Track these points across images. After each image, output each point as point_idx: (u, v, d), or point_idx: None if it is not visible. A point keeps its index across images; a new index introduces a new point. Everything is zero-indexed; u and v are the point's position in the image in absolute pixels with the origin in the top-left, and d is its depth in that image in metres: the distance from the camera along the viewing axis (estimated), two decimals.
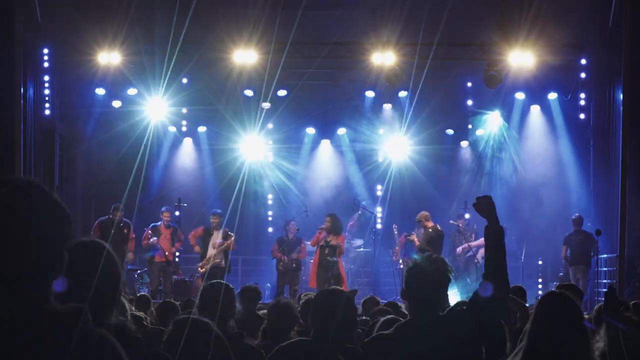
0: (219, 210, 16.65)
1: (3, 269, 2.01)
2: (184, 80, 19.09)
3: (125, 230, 16.13)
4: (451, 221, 17.36)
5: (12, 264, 2.01)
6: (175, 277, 16.79)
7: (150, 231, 16.58)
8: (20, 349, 1.97)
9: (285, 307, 5.93)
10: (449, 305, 5.44)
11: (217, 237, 16.20)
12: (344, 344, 4.52)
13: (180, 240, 16.86)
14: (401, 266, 17.49)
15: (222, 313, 5.32)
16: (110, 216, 16.04)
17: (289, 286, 16.36)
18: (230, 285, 5.50)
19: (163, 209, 16.98)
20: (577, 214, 16.96)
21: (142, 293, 12.70)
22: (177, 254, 17.37)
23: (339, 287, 5.15)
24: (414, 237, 15.62)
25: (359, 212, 19.29)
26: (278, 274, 16.64)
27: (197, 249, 16.40)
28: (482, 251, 16.66)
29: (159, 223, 16.73)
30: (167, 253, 16.49)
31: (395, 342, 4.00)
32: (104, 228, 15.76)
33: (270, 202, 21.03)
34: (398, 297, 16.63)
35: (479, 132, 20.08)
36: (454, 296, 14.58)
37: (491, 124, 19.59)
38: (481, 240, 16.49)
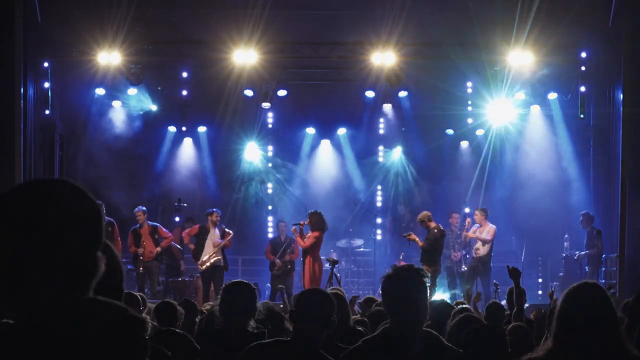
0: (219, 210, 16.54)
1: (40, 265, 2.03)
2: (184, 81, 19.10)
3: (110, 229, 16.01)
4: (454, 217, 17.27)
5: (49, 259, 2.03)
6: (175, 277, 16.76)
7: (132, 236, 16.31)
8: (55, 339, 2.00)
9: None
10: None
11: (214, 235, 16.08)
12: (319, 344, 4.48)
13: (165, 238, 16.51)
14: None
15: (243, 312, 5.29)
16: None
17: (284, 287, 16.24)
18: (252, 285, 5.45)
19: (135, 210, 16.48)
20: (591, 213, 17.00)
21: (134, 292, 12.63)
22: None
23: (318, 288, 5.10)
24: (415, 237, 15.61)
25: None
26: (272, 276, 16.48)
27: (191, 246, 16.21)
28: (481, 249, 16.60)
29: (137, 225, 16.46)
30: (150, 252, 16.24)
31: (378, 347, 4.06)
32: None
33: (270, 202, 21.03)
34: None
35: (479, 132, 20.08)
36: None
37: (490, 124, 19.59)
38: (483, 235, 16.45)
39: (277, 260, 16.30)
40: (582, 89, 17.54)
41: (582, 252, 16.70)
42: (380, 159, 20.96)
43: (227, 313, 5.30)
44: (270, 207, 20.96)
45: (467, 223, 17.21)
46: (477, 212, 16.87)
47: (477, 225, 16.84)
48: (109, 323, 2.04)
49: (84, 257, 2.10)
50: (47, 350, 1.99)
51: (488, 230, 16.58)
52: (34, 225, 2.04)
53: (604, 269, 16.55)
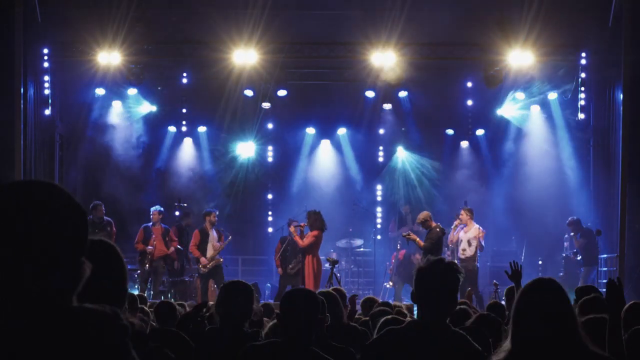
0: (215, 210, 16.57)
1: (20, 268, 2.01)
2: (184, 81, 19.10)
3: (108, 228, 16.02)
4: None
5: (30, 262, 2.01)
6: (176, 278, 16.76)
7: (142, 233, 16.41)
8: (35, 347, 1.97)
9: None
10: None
11: (212, 237, 16.09)
12: (312, 343, 4.46)
13: (173, 240, 16.60)
14: (389, 285, 17.41)
15: (239, 312, 5.29)
16: (91, 216, 15.70)
17: (291, 287, 16.25)
18: (249, 285, 5.45)
19: (152, 209, 16.64)
20: (575, 217, 17.01)
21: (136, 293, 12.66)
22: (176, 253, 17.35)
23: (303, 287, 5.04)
24: (414, 237, 15.59)
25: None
26: (284, 275, 16.38)
27: (197, 253, 16.14)
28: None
29: (150, 224, 16.54)
30: (158, 254, 16.30)
31: (403, 339, 4.04)
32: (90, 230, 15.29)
33: (270, 201, 21.03)
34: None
35: (479, 132, 20.08)
36: None
37: (490, 124, 19.59)
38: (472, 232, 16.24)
39: (289, 267, 16.15)
40: (582, 89, 17.56)
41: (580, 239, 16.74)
42: (381, 159, 20.94)
43: (223, 312, 5.31)
44: (269, 207, 20.96)
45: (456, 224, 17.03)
46: (462, 211, 16.55)
47: (463, 225, 16.61)
48: (91, 331, 2.02)
49: (71, 261, 2.08)
50: (27, 353, 1.98)
51: (476, 232, 16.29)
52: (17, 226, 2.02)
53: (605, 269, 16.54)
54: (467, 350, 4.05)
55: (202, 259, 15.97)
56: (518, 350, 3.56)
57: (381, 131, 20.56)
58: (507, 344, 3.61)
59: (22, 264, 2.01)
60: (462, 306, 7.85)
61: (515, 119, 19.31)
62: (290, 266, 16.19)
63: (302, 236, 15.65)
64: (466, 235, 16.16)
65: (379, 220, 20.51)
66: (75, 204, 2.12)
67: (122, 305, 3.00)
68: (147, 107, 19.39)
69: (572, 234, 16.90)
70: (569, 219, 17.05)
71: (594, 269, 16.44)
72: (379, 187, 20.99)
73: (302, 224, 15.76)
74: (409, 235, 15.76)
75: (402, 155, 20.53)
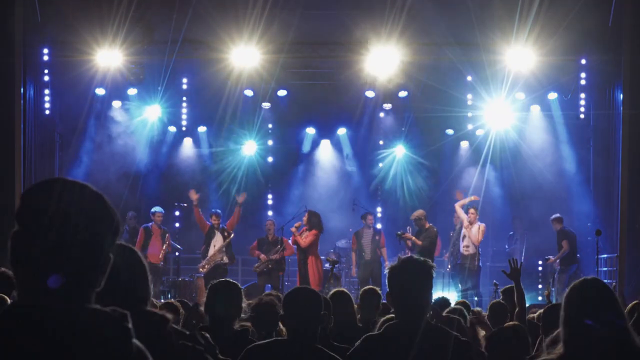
0: (219, 211, 16.66)
1: (47, 267, 2.01)
2: (184, 80, 19.11)
3: None
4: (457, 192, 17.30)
5: (58, 262, 2.02)
6: (175, 277, 16.77)
7: (143, 233, 16.47)
8: (57, 345, 1.98)
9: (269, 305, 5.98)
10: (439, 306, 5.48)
11: (218, 238, 16.21)
12: (316, 342, 4.46)
13: (169, 245, 16.67)
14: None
15: (228, 311, 5.30)
16: None
17: (271, 286, 16.16)
18: (238, 284, 5.47)
19: (156, 210, 16.74)
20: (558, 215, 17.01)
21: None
22: (177, 253, 17.40)
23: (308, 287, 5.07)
24: (410, 236, 15.55)
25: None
26: (257, 274, 16.47)
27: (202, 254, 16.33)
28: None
29: (150, 224, 16.62)
30: (160, 256, 16.41)
31: (383, 344, 4.02)
32: None
33: (270, 202, 21.03)
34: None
35: (478, 132, 20.07)
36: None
37: (490, 124, 19.59)
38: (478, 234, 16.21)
39: (262, 255, 16.26)
40: (582, 89, 17.57)
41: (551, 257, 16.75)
42: (380, 159, 20.92)
43: (212, 311, 5.33)
44: (269, 207, 20.94)
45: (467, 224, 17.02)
46: (471, 210, 16.52)
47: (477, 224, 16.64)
48: (95, 332, 2.02)
49: (100, 259, 2.09)
50: (38, 347, 1.97)
51: (482, 230, 16.30)
52: (60, 222, 2.02)
53: (605, 269, 16.52)
54: (451, 342, 4.02)
55: (200, 264, 16.16)
56: (572, 355, 3.52)
57: (381, 131, 20.55)
58: (559, 347, 3.57)
59: (46, 261, 2.01)
60: (458, 306, 7.85)
61: (515, 119, 19.28)
62: (255, 265, 16.28)
63: (279, 238, 15.71)
64: (468, 232, 16.17)
65: (379, 226, 20.47)
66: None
67: (145, 305, 3.00)
68: (146, 107, 19.37)
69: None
70: (554, 216, 16.95)
71: (572, 268, 16.40)
72: (378, 187, 20.97)
73: (297, 223, 15.85)
74: (403, 234, 15.71)
75: (402, 155, 20.51)
